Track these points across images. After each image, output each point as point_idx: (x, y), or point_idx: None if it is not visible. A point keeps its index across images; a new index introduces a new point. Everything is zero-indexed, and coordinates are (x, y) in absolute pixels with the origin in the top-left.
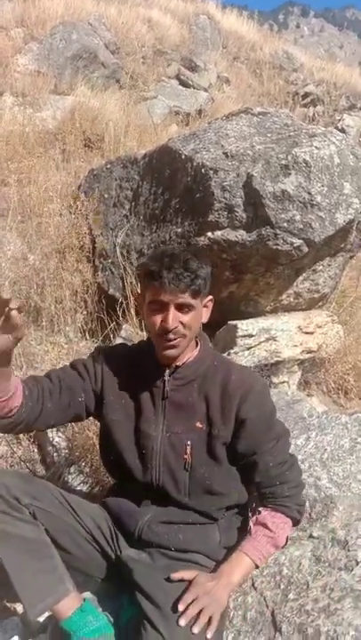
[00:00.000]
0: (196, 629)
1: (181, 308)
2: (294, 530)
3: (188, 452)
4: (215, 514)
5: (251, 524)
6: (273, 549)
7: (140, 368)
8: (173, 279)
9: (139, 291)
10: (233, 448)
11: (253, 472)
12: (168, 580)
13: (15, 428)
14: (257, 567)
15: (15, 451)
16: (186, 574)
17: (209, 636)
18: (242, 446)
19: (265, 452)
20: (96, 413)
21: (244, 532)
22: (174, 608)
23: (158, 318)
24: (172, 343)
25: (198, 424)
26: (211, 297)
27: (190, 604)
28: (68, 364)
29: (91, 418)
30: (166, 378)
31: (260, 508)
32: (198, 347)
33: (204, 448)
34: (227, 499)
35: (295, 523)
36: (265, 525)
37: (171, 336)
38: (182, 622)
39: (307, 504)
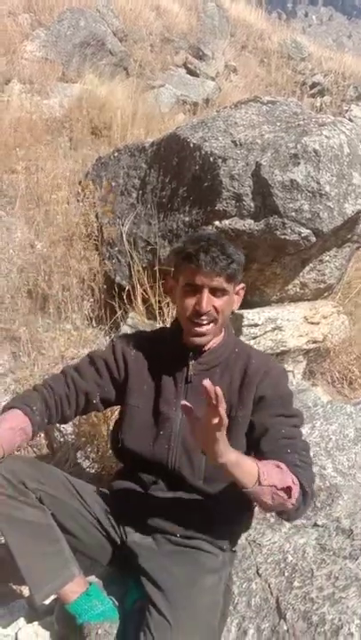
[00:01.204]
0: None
1: (215, 291)
2: (301, 508)
3: None
4: (223, 502)
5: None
6: (277, 481)
7: (162, 352)
8: (210, 262)
9: (165, 276)
10: (249, 425)
11: (263, 440)
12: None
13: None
14: (258, 483)
15: None
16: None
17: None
18: (256, 419)
19: (279, 425)
20: (117, 402)
21: (250, 519)
22: (178, 593)
23: (192, 301)
24: (202, 329)
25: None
26: (243, 285)
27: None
28: (87, 356)
29: None
30: (190, 362)
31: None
32: (223, 333)
33: (226, 433)
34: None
35: (305, 496)
36: (277, 465)
37: (203, 319)
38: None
39: None
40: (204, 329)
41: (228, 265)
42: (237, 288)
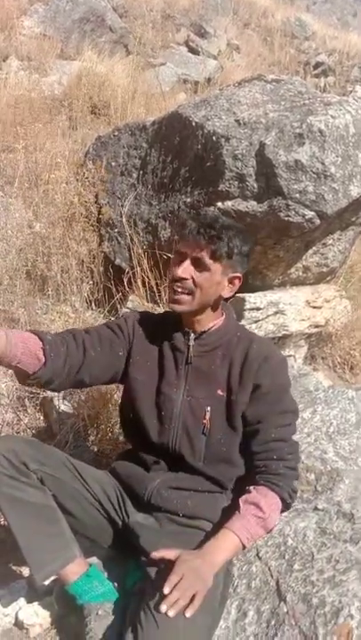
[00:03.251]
0: (171, 613)
1: (197, 264)
2: (281, 516)
3: (208, 417)
4: (225, 482)
5: (240, 502)
6: (262, 531)
7: (166, 333)
8: (195, 231)
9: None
10: (243, 414)
11: (253, 440)
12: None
13: (51, 384)
14: (243, 548)
15: (22, 418)
16: (168, 553)
17: (188, 615)
18: (250, 412)
19: (269, 424)
20: (124, 373)
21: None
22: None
23: (173, 266)
24: (177, 296)
25: (219, 391)
26: (239, 275)
27: (176, 585)
28: (101, 324)
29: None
30: (191, 343)
31: (250, 487)
32: (223, 316)
33: (223, 415)
34: (239, 469)
35: (285, 507)
36: (256, 505)
37: (178, 285)
38: (163, 609)
39: (312, 476)
40: (178, 296)
41: (211, 238)
42: (230, 275)
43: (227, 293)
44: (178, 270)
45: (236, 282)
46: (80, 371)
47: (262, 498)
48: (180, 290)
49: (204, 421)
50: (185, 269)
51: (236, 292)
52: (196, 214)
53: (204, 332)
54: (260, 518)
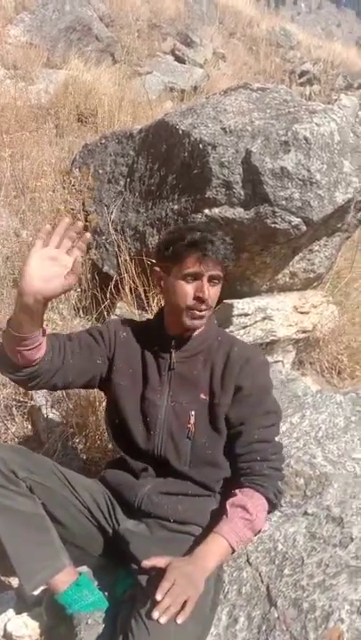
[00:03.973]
0: (163, 620)
1: (212, 280)
2: (268, 517)
3: (192, 421)
4: (213, 485)
5: (227, 505)
6: (250, 534)
7: (148, 340)
8: (215, 250)
9: (154, 264)
10: (226, 416)
11: (236, 442)
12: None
13: (32, 381)
14: (233, 551)
15: (9, 427)
16: (159, 561)
17: (179, 621)
18: (232, 414)
19: (252, 425)
20: (106, 379)
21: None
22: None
23: (191, 289)
24: (200, 314)
25: (202, 395)
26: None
27: (168, 591)
28: (84, 330)
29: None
30: (173, 350)
31: (236, 489)
32: None
33: (207, 419)
34: (225, 471)
35: (272, 507)
36: (243, 507)
37: (203, 307)
38: (155, 615)
39: (302, 481)
40: (201, 314)
41: (228, 254)
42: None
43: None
44: (205, 292)
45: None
46: (55, 375)
47: (248, 500)
48: (204, 310)
49: (189, 426)
50: (208, 290)
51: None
52: (190, 229)
53: (186, 337)
54: (248, 520)
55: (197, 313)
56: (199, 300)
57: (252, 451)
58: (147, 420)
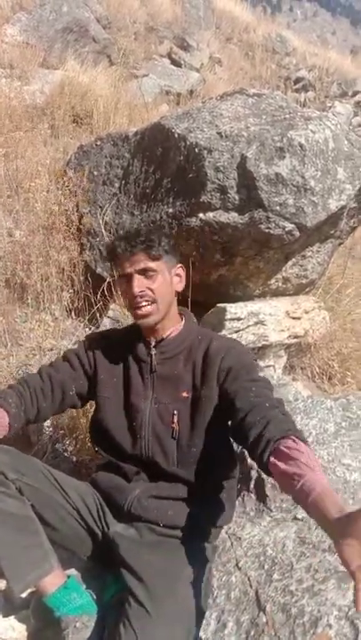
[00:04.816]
0: None
1: (144, 273)
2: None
3: (175, 420)
4: (205, 487)
5: (287, 465)
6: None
7: (129, 346)
8: (126, 246)
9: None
10: (223, 401)
11: (236, 400)
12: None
13: (16, 431)
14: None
15: None
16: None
17: None
18: (227, 388)
19: (246, 387)
20: (90, 396)
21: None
22: (160, 584)
23: (125, 289)
24: (143, 311)
25: (184, 394)
26: (180, 265)
27: None
28: (61, 355)
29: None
30: (153, 352)
31: (274, 448)
32: (183, 321)
33: (191, 416)
34: (214, 468)
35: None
36: (302, 462)
37: (139, 300)
38: None
39: None
40: (144, 310)
41: (143, 243)
42: (174, 269)
43: (179, 286)
44: (134, 289)
45: (181, 271)
46: (36, 418)
47: (296, 452)
48: (143, 303)
49: (173, 425)
50: (139, 284)
51: (185, 282)
52: (118, 235)
53: (164, 338)
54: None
55: (138, 310)
56: (132, 297)
57: (256, 401)
58: (132, 425)
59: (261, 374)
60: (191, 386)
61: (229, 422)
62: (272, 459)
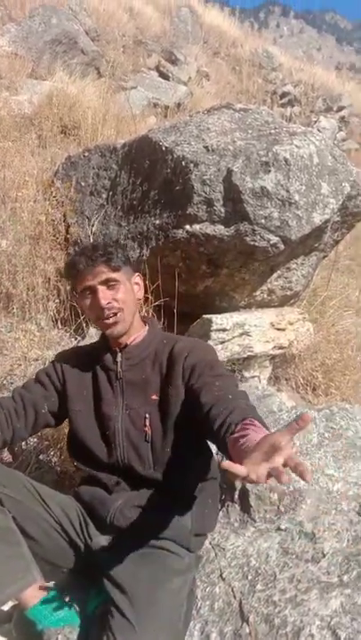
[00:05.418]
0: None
1: (107, 284)
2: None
3: (148, 423)
4: (185, 491)
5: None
6: None
7: (96, 358)
8: (87, 260)
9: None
10: (189, 398)
11: (201, 395)
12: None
13: None
14: None
15: None
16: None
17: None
18: (192, 385)
19: (211, 381)
20: (63, 412)
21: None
22: (143, 595)
23: (90, 302)
24: (112, 320)
25: (153, 396)
26: (138, 274)
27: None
28: (33, 377)
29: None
30: (118, 360)
31: (235, 430)
32: (146, 327)
33: (162, 417)
34: (192, 470)
35: None
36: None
37: (107, 312)
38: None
39: (275, 496)
40: (111, 320)
41: (103, 256)
42: (133, 278)
43: (139, 294)
44: (100, 301)
45: (139, 280)
46: (12, 439)
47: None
48: (111, 314)
49: (146, 429)
50: (104, 296)
51: (144, 290)
52: (75, 252)
53: (128, 345)
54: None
55: (107, 321)
56: (100, 309)
57: (220, 395)
58: (106, 434)
59: (223, 369)
60: (159, 387)
61: (197, 418)
62: (229, 436)
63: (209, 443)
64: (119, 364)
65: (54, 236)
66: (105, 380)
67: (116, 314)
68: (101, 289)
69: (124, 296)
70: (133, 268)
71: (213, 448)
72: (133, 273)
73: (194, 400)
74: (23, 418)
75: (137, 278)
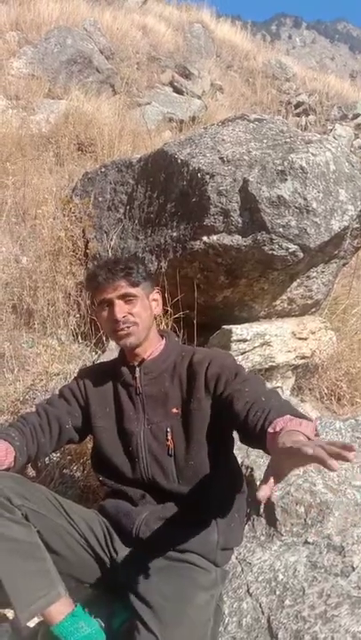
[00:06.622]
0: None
1: (125, 298)
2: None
3: (170, 437)
4: (211, 506)
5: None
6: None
7: (116, 374)
8: (107, 273)
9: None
10: (219, 409)
11: (233, 404)
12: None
13: (22, 468)
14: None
15: None
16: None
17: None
18: (221, 395)
19: (238, 388)
20: (86, 429)
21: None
22: (169, 610)
23: (107, 314)
24: (125, 332)
25: (174, 410)
26: (157, 289)
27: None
28: (57, 392)
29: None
30: (137, 375)
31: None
32: (163, 340)
33: (184, 430)
34: (217, 483)
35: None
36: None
37: (121, 325)
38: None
39: (302, 509)
40: (125, 332)
41: (123, 271)
42: (152, 294)
43: (157, 310)
44: (116, 314)
45: (158, 296)
46: (37, 455)
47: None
48: (125, 327)
49: (168, 443)
50: (120, 309)
51: (162, 305)
52: (97, 264)
53: (145, 359)
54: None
55: (121, 332)
56: (115, 321)
57: (252, 399)
58: (129, 449)
59: (248, 373)
60: (180, 401)
61: (233, 427)
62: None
63: (235, 455)
64: (138, 379)
65: (74, 251)
66: (126, 395)
67: (131, 325)
68: (118, 303)
69: (140, 310)
70: (153, 283)
71: (240, 459)
72: (153, 289)
73: (226, 410)
74: (48, 433)
75: (155, 294)
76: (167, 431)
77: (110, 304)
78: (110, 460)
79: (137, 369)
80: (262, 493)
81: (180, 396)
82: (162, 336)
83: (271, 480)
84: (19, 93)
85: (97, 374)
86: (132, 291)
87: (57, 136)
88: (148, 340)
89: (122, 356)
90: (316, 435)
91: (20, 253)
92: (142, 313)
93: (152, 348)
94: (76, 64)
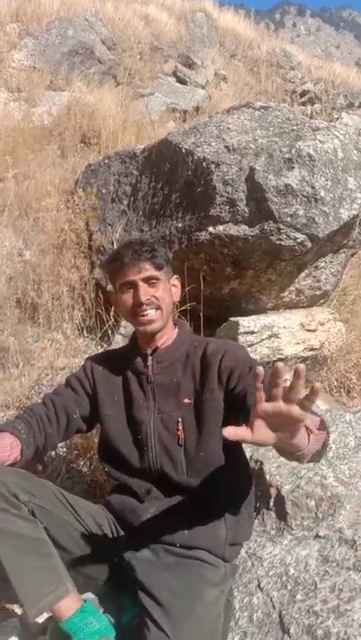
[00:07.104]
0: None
1: (149, 281)
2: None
3: (181, 427)
4: (219, 500)
5: None
6: (311, 425)
7: (126, 362)
8: (133, 255)
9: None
10: (232, 402)
11: (247, 399)
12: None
13: (29, 462)
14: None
15: None
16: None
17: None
18: (235, 389)
19: (252, 385)
20: (94, 418)
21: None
22: (179, 607)
23: (129, 297)
24: (149, 317)
25: (186, 400)
26: (177, 276)
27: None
28: (63, 381)
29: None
30: (149, 363)
31: None
32: (176, 329)
33: (195, 421)
34: (226, 476)
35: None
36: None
37: (145, 307)
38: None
39: (313, 503)
40: (149, 317)
41: (150, 253)
42: (172, 279)
43: (176, 296)
44: (140, 297)
45: (177, 282)
46: (45, 447)
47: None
48: (149, 309)
49: (179, 433)
50: (145, 292)
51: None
52: (122, 244)
53: (159, 347)
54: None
55: (142, 317)
56: (137, 303)
57: None
58: (138, 438)
59: (260, 366)
60: (193, 391)
61: (245, 422)
62: None
63: (244, 448)
64: (150, 367)
65: (77, 244)
66: (136, 383)
67: (155, 309)
68: (142, 285)
69: (163, 294)
70: (171, 270)
71: (248, 453)
72: (172, 274)
73: (239, 404)
74: (55, 423)
75: (175, 280)
76: (178, 421)
77: (134, 286)
78: (118, 449)
79: (149, 357)
80: (228, 431)
81: (193, 386)
82: (175, 325)
83: (244, 427)
84: (20, 86)
85: (105, 362)
86: (157, 274)
87: (60, 128)
88: (165, 327)
89: (133, 344)
90: (324, 429)
91: (24, 247)
92: (166, 297)
93: (167, 335)
94: (77, 55)
